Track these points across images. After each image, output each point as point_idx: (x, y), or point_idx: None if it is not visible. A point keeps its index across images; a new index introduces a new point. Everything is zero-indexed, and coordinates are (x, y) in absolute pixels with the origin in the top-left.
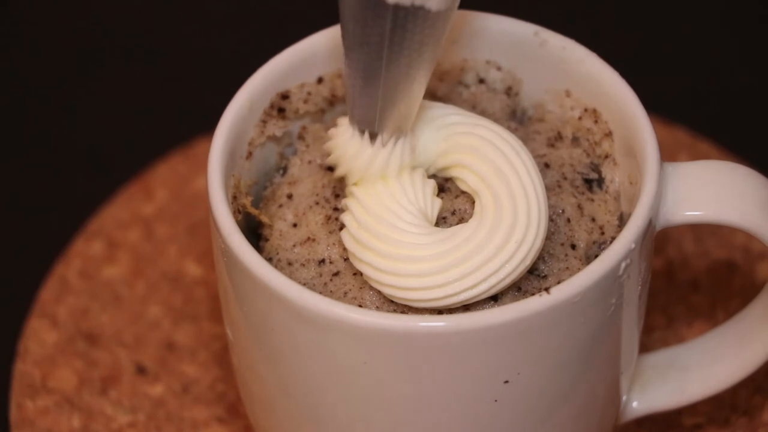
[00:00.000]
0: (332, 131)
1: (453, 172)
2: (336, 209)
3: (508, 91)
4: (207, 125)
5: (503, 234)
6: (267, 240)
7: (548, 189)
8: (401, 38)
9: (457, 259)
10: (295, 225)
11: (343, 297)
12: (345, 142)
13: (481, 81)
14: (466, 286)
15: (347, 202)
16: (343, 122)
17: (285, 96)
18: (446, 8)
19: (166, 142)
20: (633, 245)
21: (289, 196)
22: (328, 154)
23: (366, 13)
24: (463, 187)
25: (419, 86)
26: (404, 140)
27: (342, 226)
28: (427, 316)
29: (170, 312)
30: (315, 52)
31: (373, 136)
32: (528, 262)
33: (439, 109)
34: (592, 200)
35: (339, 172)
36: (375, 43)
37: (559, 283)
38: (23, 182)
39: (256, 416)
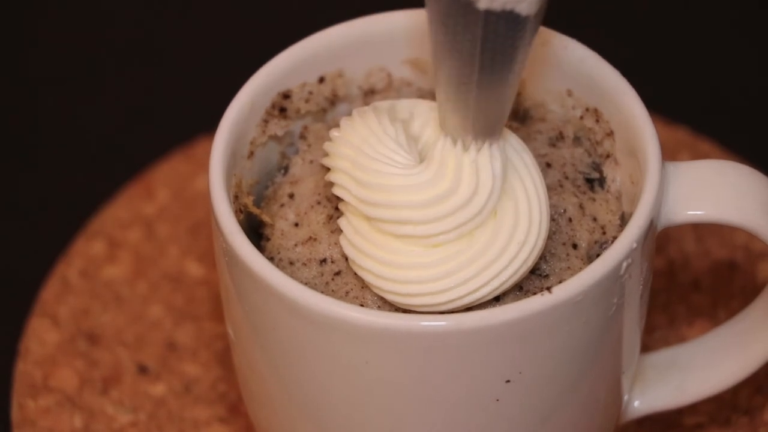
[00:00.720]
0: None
1: None
2: (338, 209)
3: None
4: (208, 125)
5: (505, 235)
6: (268, 239)
7: (550, 188)
8: (493, 44)
9: (460, 263)
10: (296, 224)
11: (345, 296)
12: (443, 153)
13: None
14: (469, 290)
15: (342, 206)
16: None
17: (286, 95)
18: (536, 11)
19: (166, 142)
20: (634, 245)
21: (291, 196)
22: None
23: (457, 21)
24: None
25: (512, 90)
26: (498, 144)
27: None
28: (428, 316)
29: (171, 312)
30: (316, 52)
31: (466, 143)
32: (530, 263)
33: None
34: (594, 200)
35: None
36: (467, 50)
37: (560, 282)
38: (23, 182)
39: (257, 416)
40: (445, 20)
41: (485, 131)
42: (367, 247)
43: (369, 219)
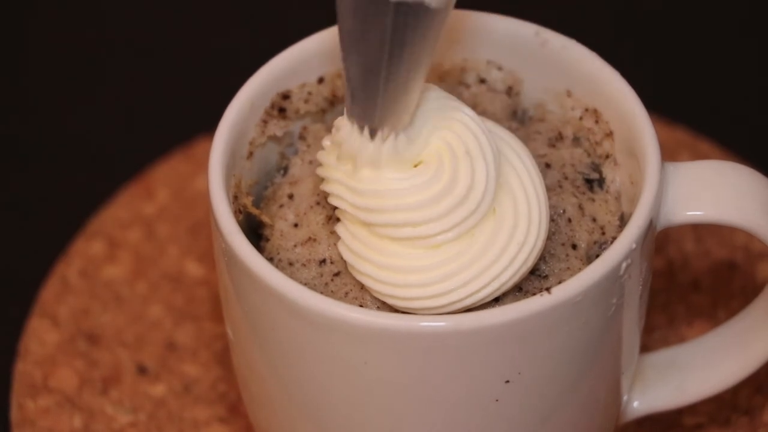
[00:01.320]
0: (337, 125)
1: None
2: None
3: (509, 91)
4: (208, 125)
5: (505, 236)
6: (268, 240)
7: (549, 189)
8: (402, 35)
9: (460, 266)
10: (296, 225)
11: (344, 297)
12: (345, 136)
13: (482, 81)
14: (469, 292)
15: (338, 212)
16: (342, 120)
17: (286, 96)
18: (446, 4)
19: (166, 142)
20: (634, 245)
21: (290, 196)
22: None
23: (367, 11)
24: None
25: (419, 80)
26: (404, 133)
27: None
28: (427, 316)
29: (171, 312)
30: (315, 52)
31: (372, 131)
32: (530, 264)
33: (451, 110)
34: (593, 200)
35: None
36: (375, 40)
37: (560, 283)
38: (23, 182)
39: (256, 416)
40: (355, 10)
41: (391, 120)
42: (366, 252)
43: (367, 225)
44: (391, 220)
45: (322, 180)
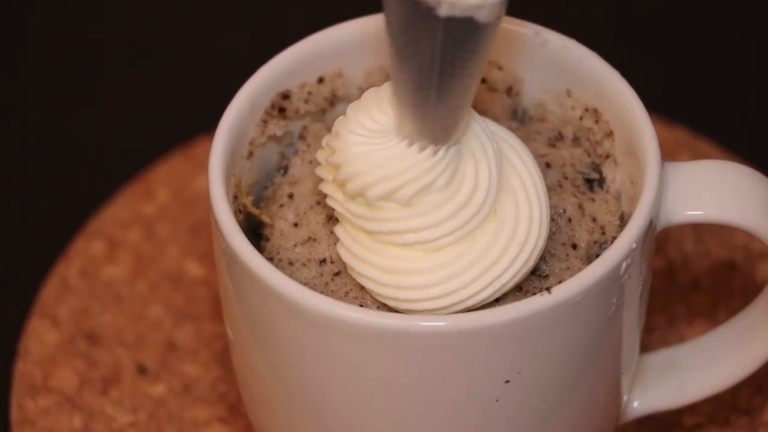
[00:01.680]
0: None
1: None
2: None
3: (509, 91)
4: (207, 125)
5: (505, 237)
6: (268, 240)
7: (549, 189)
8: (452, 49)
9: (461, 267)
10: (296, 225)
11: (344, 297)
12: (395, 154)
13: (482, 81)
14: (471, 293)
15: (337, 213)
16: (355, 134)
17: (286, 96)
18: (495, 19)
19: (166, 142)
20: (634, 245)
21: (290, 196)
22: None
23: (417, 27)
24: None
25: (471, 94)
26: (456, 148)
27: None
28: (427, 316)
29: (171, 312)
30: (316, 52)
31: (423, 147)
32: (531, 264)
33: None
34: (593, 200)
35: (384, 188)
36: (426, 55)
37: (560, 282)
38: (23, 182)
39: (256, 416)
40: (405, 26)
41: (442, 136)
42: (366, 255)
43: (369, 233)
44: (394, 228)
45: (321, 180)
